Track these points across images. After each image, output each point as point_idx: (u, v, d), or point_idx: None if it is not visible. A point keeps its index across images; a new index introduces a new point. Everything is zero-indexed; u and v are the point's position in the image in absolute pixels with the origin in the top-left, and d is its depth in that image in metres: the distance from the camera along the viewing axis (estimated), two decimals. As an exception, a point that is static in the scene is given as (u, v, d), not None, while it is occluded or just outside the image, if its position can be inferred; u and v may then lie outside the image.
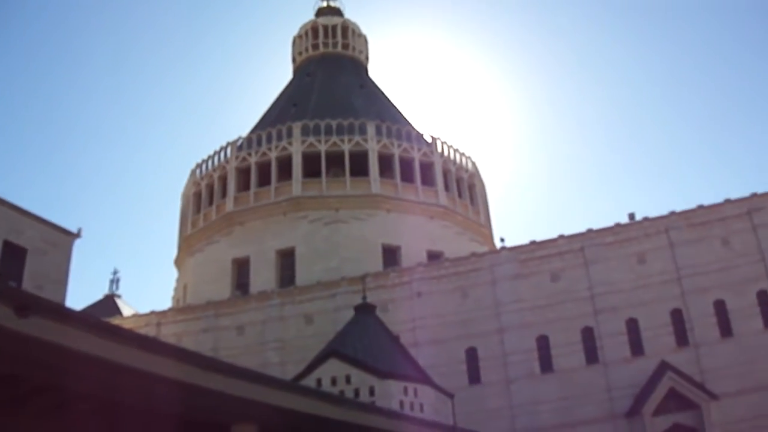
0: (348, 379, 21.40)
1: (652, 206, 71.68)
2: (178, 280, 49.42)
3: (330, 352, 22.46)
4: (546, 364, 35.71)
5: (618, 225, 36.89)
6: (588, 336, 35.55)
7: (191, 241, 47.39)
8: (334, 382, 21.21)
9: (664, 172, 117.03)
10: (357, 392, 20.75)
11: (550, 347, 35.74)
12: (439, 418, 21.70)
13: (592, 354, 35.34)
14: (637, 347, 35.00)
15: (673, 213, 36.29)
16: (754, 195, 36.10)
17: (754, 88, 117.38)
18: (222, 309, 39.93)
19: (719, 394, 32.91)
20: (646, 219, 36.66)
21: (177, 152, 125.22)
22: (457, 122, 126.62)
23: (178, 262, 49.75)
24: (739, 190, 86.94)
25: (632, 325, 35.17)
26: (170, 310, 42.83)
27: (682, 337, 34.85)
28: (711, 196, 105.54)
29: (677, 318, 35.03)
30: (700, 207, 36.24)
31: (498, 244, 43.43)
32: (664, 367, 33.65)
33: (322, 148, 44.38)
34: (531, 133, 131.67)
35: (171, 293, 49.77)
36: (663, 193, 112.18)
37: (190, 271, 46.87)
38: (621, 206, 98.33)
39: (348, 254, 41.42)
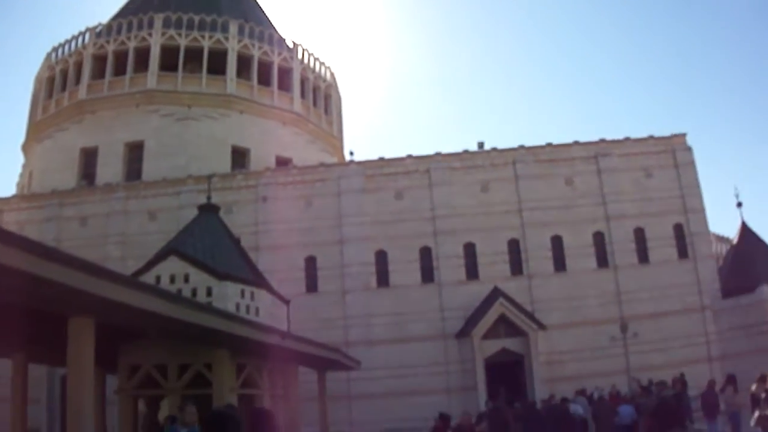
0: (186, 278, 20.64)
1: (502, 139, 77.23)
2: (24, 167, 47.24)
3: (170, 250, 21.77)
4: (383, 279, 35.74)
5: (466, 152, 37.70)
6: (426, 255, 35.74)
7: (41, 126, 45.28)
8: (172, 280, 20.47)
9: (518, 107, 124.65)
10: (195, 292, 20.14)
11: (388, 263, 35.78)
12: (274, 322, 21.52)
13: (428, 273, 35.53)
14: (472, 271, 35.52)
15: (522, 147, 37.51)
16: (602, 140, 38.09)
17: (621, 37, 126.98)
18: (66, 199, 38.36)
19: (547, 325, 33.94)
20: (494, 149, 37.69)
21: (36, 36, 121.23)
22: (322, 31, 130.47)
23: (26, 148, 47.53)
24: (588, 135, 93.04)
25: (469, 250, 35.69)
26: (14, 197, 40.95)
27: (517, 266, 35.73)
28: (560, 137, 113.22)
29: (514, 248, 35.95)
30: (549, 145, 37.72)
31: (347, 157, 43.08)
32: (496, 293, 34.17)
33: (182, 42, 43.44)
34: (392, 52, 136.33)
35: (16, 180, 47.57)
36: (514, 128, 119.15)
37: (37, 158, 44.92)
38: (472, 135, 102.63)
39: (197, 152, 40.49)
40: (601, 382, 29.19)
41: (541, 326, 33.88)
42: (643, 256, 36.78)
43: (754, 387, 15.76)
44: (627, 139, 38.54)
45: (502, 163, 37.04)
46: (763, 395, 15.18)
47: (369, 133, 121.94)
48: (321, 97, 48.90)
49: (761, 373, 15.97)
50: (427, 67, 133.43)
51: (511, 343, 34.16)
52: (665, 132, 39.03)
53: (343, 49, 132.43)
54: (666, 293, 35.66)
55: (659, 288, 35.58)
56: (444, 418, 15.92)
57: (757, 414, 15.25)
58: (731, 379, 19.69)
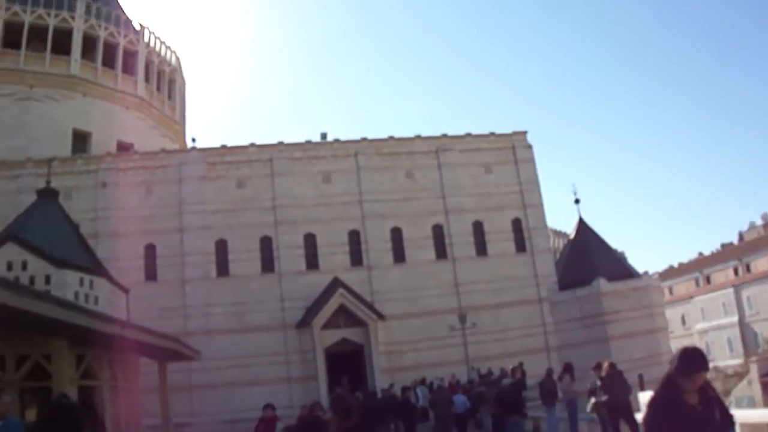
0: (24, 266, 21.41)
1: (345, 130, 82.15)
2: None
3: (7, 236, 22.45)
4: (223, 268, 38.66)
5: (309, 142, 41.49)
6: (266, 245, 39.10)
7: None
8: (10, 267, 20.93)
9: (362, 99, 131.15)
10: (32, 279, 20.89)
11: (228, 252, 38.76)
12: (114, 312, 22.29)
13: (268, 263, 38.90)
14: (312, 262, 39.25)
15: (364, 139, 41.79)
16: (444, 135, 43.13)
17: (466, 34, 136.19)
18: None
19: (387, 315, 38.10)
20: (337, 140, 41.74)
21: None
22: (169, 15, 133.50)
23: None
24: (430, 130, 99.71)
25: (310, 240, 39.40)
26: None
27: (357, 257, 39.86)
28: (403, 130, 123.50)
29: (354, 239, 40.07)
30: (392, 138, 42.16)
31: (189, 144, 45.56)
32: (336, 283, 37.97)
33: (26, 18, 44.00)
34: (239, 40, 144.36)
35: None
36: (357, 120, 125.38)
37: None
38: (316, 126, 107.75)
39: (37, 134, 41.50)
40: (441, 372, 33.22)
41: (381, 316, 38.00)
42: (481, 248, 41.92)
43: (592, 374, 17.35)
44: (468, 134, 43.76)
45: (344, 155, 41.02)
46: (598, 383, 16.76)
47: (212, 120, 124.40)
48: (165, 82, 51.06)
49: (597, 362, 17.68)
50: (274, 56, 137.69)
51: (351, 333, 38.06)
52: (506, 129, 44.57)
53: (189, 33, 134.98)
54: (504, 285, 40.88)
55: (497, 280, 40.75)
56: (268, 409, 16.94)
57: (593, 400, 16.97)
58: (568, 368, 21.32)
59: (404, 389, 25.60)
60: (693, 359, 5.23)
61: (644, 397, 17.54)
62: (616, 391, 15.67)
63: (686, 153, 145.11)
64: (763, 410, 27.04)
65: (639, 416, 14.34)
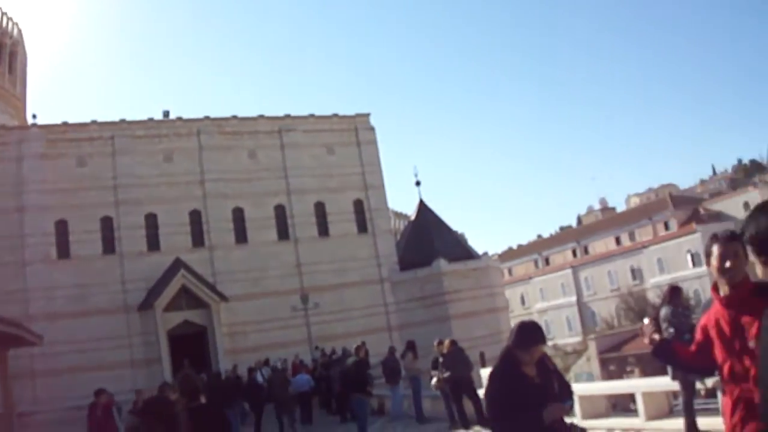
0: None
1: (187, 109, 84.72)
2: None
3: None
4: (63, 249, 41.13)
5: (151, 120, 44.83)
6: (107, 226, 42.13)
7: None
8: None
9: (206, 77, 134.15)
10: None
11: (69, 233, 41.23)
12: None
13: (109, 244, 41.96)
14: (154, 242, 42.71)
15: (207, 118, 45.66)
16: (288, 116, 47.84)
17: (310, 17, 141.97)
18: None
19: (229, 296, 42.07)
20: (179, 119, 45.35)
21: None
22: None
23: None
24: (274, 110, 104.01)
25: (151, 220, 42.78)
26: None
27: (199, 238, 43.75)
28: (247, 110, 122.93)
29: (196, 219, 43.84)
30: (235, 117, 46.23)
31: (30, 121, 47.13)
32: (178, 264, 41.56)
33: None
34: (81, 14, 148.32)
35: None
36: (200, 98, 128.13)
37: None
38: (159, 103, 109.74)
39: None
40: (285, 352, 36.62)
41: (223, 298, 42.01)
42: (323, 229, 47.00)
43: (434, 351, 18.92)
44: (312, 115, 48.80)
45: (186, 133, 44.60)
46: (440, 360, 18.12)
47: (56, 97, 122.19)
48: (6, 55, 51.96)
49: (438, 339, 19.37)
50: (118, 32, 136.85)
51: (194, 315, 41.87)
52: (351, 112, 49.67)
53: (32, 6, 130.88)
54: (346, 266, 45.99)
55: (339, 260, 45.76)
56: (102, 394, 18.03)
57: (435, 377, 18.25)
58: (411, 346, 23.24)
59: (250, 370, 27.63)
60: (530, 333, 6.00)
61: (485, 373, 18.43)
62: (457, 367, 17.19)
63: (527, 139, 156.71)
64: (600, 383, 31.11)
65: (481, 392, 16.42)
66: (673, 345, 4.94)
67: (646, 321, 5.47)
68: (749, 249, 3.83)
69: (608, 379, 51.82)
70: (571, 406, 6.60)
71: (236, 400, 26.30)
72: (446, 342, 18.56)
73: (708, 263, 4.37)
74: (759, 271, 3.78)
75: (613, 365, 57.28)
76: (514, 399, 5.74)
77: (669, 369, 10.98)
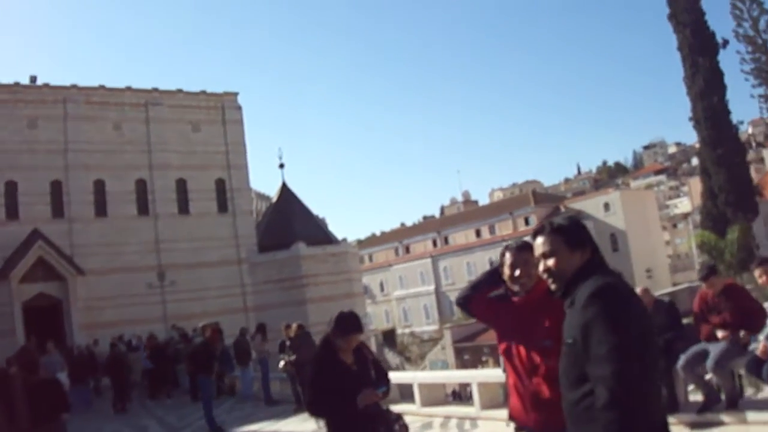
0: None
1: (55, 75, 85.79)
2: None
3: None
4: None
5: (17, 84, 47.52)
6: (-37, 192, 45.14)
7: None
8: None
9: (75, 44, 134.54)
10: None
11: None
12: None
13: (-34, 214, 45.01)
14: (12, 211, 45.64)
15: (74, 86, 49.17)
16: (155, 90, 52.14)
17: None
18: None
19: (86, 270, 45.54)
20: (46, 85, 48.44)
21: None
22: None
23: None
24: (142, 82, 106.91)
25: (10, 188, 45.69)
26: None
27: (58, 209, 47.02)
28: (114, 80, 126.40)
29: (57, 189, 47.09)
30: (102, 87, 50.08)
31: None
32: (36, 235, 44.76)
33: None
34: None
35: None
36: (67, 64, 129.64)
37: None
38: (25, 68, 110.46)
39: None
40: (141, 329, 39.85)
41: (80, 271, 45.46)
42: (184, 207, 51.48)
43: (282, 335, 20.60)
44: (180, 91, 53.19)
45: (52, 101, 47.64)
46: (287, 343, 19.73)
47: None
48: None
49: (286, 323, 20.87)
50: None
51: (50, 288, 44.97)
52: (218, 89, 54.06)
53: None
54: (205, 245, 50.50)
55: (198, 239, 50.25)
56: None
57: (283, 360, 19.90)
58: (261, 328, 25.19)
59: (113, 345, 30.37)
60: (348, 322, 6.80)
61: None
62: (303, 350, 18.25)
63: (395, 130, 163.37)
64: (437, 372, 34.33)
65: None
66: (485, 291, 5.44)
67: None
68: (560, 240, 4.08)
69: (462, 367, 58.31)
70: (386, 393, 7.18)
71: (91, 376, 29.73)
72: (294, 326, 20.22)
73: (502, 271, 5.21)
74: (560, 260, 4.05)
75: (467, 354, 64.02)
76: (331, 384, 6.61)
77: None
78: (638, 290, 10.43)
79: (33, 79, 48.59)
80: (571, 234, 4.14)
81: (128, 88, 50.74)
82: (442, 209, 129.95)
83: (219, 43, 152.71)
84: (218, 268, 50.31)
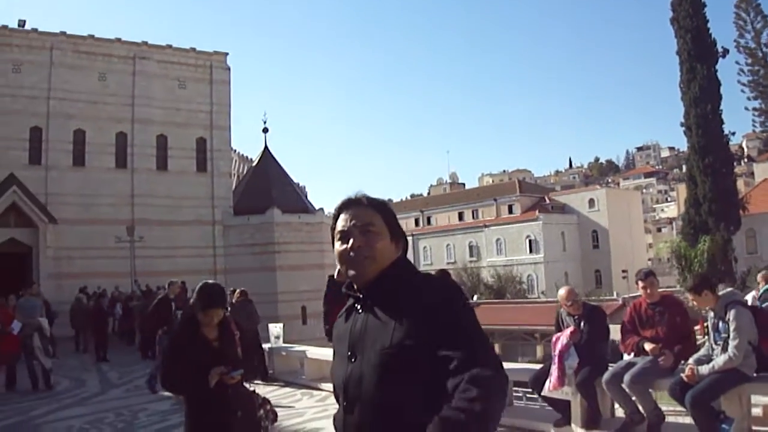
0: None
1: (45, 21, 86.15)
2: None
3: None
4: None
5: (4, 27, 48.59)
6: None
7: None
8: None
9: None
10: None
11: None
12: None
13: (-60, 153, 46.41)
14: (-9, 156, 47.49)
15: (63, 33, 50.33)
16: (145, 43, 53.44)
17: None
18: None
19: (59, 219, 46.80)
20: (34, 30, 49.53)
21: None
22: None
23: None
24: (131, 35, 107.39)
25: (-11, 132, 47.63)
26: None
27: (36, 155, 48.34)
28: (104, 31, 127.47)
29: (35, 136, 48.35)
30: (91, 37, 51.26)
31: None
32: (11, 180, 46.00)
33: None
34: None
35: None
36: (57, 11, 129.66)
37: None
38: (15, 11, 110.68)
39: None
40: (106, 282, 40.94)
41: (52, 219, 46.75)
42: (162, 163, 52.86)
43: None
44: (169, 46, 54.48)
45: (39, 47, 48.82)
46: (228, 309, 20.11)
47: None
48: None
49: (231, 288, 20.73)
50: None
51: (21, 234, 46.31)
52: (209, 48, 55.28)
53: None
54: (180, 203, 52.00)
55: (174, 197, 51.70)
56: None
57: None
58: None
59: (98, 296, 31.76)
60: (209, 295, 6.60)
61: (274, 328, 20.69)
62: (242, 318, 17.63)
63: (390, 106, 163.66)
64: (317, 349, 35.60)
65: (266, 345, 19.66)
66: None
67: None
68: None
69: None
70: (244, 377, 6.84)
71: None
72: (236, 292, 20.34)
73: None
74: None
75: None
76: (189, 357, 6.34)
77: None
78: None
79: (21, 23, 49.56)
80: (394, 218, 3.30)
81: (117, 40, 51.78)
82: (430, 189, 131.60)
83: (213, 5, 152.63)
84: (191, 227, 51.80)
